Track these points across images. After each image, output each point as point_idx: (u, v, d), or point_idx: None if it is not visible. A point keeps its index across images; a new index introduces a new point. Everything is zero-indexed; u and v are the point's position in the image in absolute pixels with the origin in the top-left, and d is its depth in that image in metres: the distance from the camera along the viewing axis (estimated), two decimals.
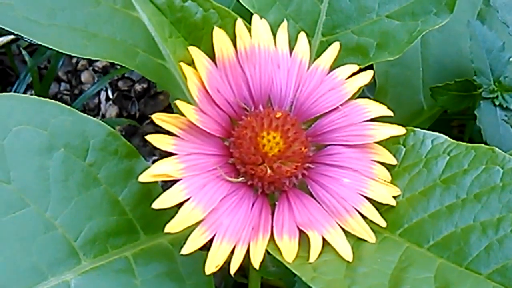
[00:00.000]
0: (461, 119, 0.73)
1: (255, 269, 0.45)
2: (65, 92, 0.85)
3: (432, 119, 0.66)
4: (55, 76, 0.85)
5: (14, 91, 0.79)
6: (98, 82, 0.82)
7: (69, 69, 0.86)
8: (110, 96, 0.85)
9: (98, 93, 0.84)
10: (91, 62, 0.86)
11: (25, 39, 0.53)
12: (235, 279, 0.68)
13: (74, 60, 0.86)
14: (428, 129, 0.49)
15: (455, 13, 0.54)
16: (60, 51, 0.51)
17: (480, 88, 0.61)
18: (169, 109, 0.81)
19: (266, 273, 0.58)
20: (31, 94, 0.82)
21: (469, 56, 0.61)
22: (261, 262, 0.44)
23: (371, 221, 0.46)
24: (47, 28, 0.51)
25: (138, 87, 0.84)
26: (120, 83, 0.85)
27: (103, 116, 0.83)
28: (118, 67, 0.82)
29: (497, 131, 0.60)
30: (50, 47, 0.51)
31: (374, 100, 0.50)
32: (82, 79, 0.85)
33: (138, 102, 0.84)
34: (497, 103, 0.61)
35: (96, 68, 0.86)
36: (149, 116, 0.80)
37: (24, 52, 0.79)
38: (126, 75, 0.86)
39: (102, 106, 0.84)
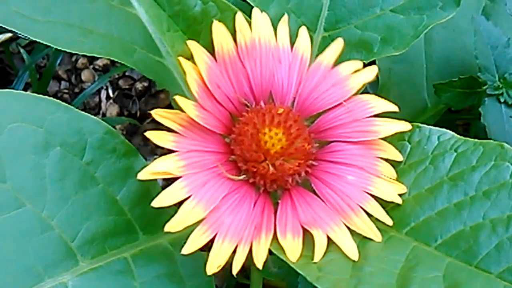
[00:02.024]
0: (466, 118, 0.72)
1: (257, 269, 0.44)
2: (65, 90, 0.84)
3: (436, 117, 0.65)
4: (55, 75, 0.84)
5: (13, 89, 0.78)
6: (98, 81, 0.81)
7: (69, 67, 0.85)
8: (111, 94, 0.84)
9: (99, 92, 0.83)
10: (91, 60, 0.85)
11: (22, 36, 0.52)
12: (237, 280, 0.67)
13: (74, 59, 0.85)
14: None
15: (460, 9, 0.53)
16: (56, 47, 0.50)
17: (484, 85, 0.60)
18: (170, 107, 0.80)
19: (268, 274, 0.57)
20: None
21: (473, 53, 0.60)
22: (264, 262, 0.43)
23: (376, 219, 0.45)
24: (42, 24, 0.51)
25: (139, 85, 0.84)
26: (120, 82, 0.84)
27: (104, 114, 0.82)
28: (119, 65, 0.81)
29: (502, 128, 0.59)
30: (46, 43, 0.50)
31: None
32: (83, 77, 0.84)
33: (139, 101, 0.83)
34: (502, 100, 0.60)
35: (97, 67, 0.85)
36: (150, 114, 0.80)
37: (22, 51, 0.78)
38: (126, 74, 0.85)
39: (102, 104, 0.83)
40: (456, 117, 0.72)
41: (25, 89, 0.81)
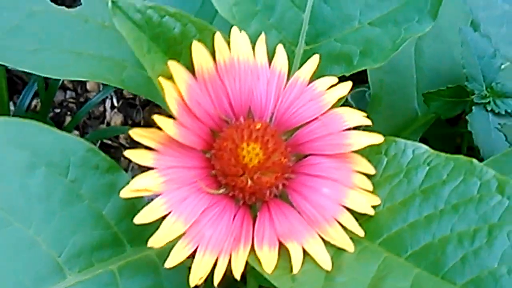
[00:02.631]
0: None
1: (253, 276, 0.45)
2: (70, 100, 0.86)
3: (426, 126, 0.66)
4: (61, 85, 0.86)
5: (21, 99, 0.81)
6: (103, 91, 0.83)
7: None
8: (115, 104, 0.86)
9: (103, 101, 0.85)
10: None
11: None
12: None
13: None
14: (430, 139, 0.49)
15: (449, 21, 0.54)
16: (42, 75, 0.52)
17: (472, 94, 0.61)
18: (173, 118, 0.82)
19: (264, 281, 0.59)
20: (38, 102, 0.84)
21: (461, 63, 0.61)
22: (243, 274, 0.45)
23: (350, 230, 0.46)
24: (30, 54, 0.53)
25: None
26: (125, 92, 0.86)
27: (108, 124, 0.84)
28: None
29: (489, 136, 0.60)
30: (33, 72, 0.52)
31: (369, 108, 0.50)
32: (88, 87, 0.86)
33: (143, 110, 0.85)
34: (489, 109, 0.61)
35: None
36: (154, 124, 0.82)
37: None
38: None
39: (107, 114, 0.85)
40: (454, 130, 0.73)
41: (32, 99, 0.83)
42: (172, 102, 0.46)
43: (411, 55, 0.66)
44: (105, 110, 0.85)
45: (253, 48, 0.50)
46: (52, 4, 0.57)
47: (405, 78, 0.66)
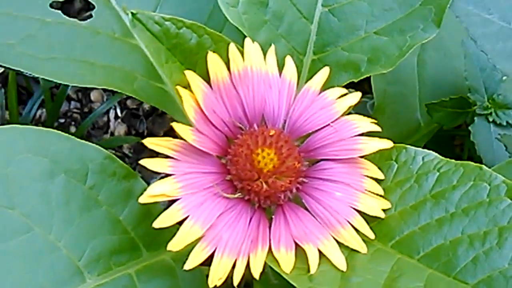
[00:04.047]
0: (463, 136, 0.74)
1: (258, 282, 0.46)
2: (75, 110, 0.87)
3: (429, 136, 0.67)
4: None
5: (29, 110, 0.82)
6: (107, 101, 0.84)
7: (79, 88, 0.88)
8: (119, 114, 0.86)
9: (107, 112, 0.86)
10: None
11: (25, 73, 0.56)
12: None
13: None
14: (429, 147, 0.51)
15: (451, 33, 0.55)
16: (58, 82, 0.53)
17: (474, 105, 0.63)
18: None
19: (269, 286, 0.60)
20: (42, 113, 0.85)
21: (463, 75, 0.63)
22: (261, 274, 0.46)
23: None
24: (45, 62, 0.54)
25: (146, 105, 0.86)
26: (128, 102, 0.87)
27: (112, 134, 0.85)
28: None
29: (491, 146, 0.61)
30: (49, 79, 0.53)
31: (372, 117, 0.52)
32: (92, 97, 0.87)
33: (146, 120, 0.86)
34: (490, 120, 0.63)
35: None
36: (157, 134, 0.83)
37: None
38: None
39: (111, 124, 0.86)
40: (453, 134, 0.74)
41: (38, 109, 0.84)
42: (190, 109, 0.47)
43: (414, 65, 0.67)
44: (109, 120, 0.86)
45: (264, 57, 0.51)
46: (65, 16, 0.58)
47: (408, 88, 0.67)
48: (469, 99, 0.63)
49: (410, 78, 0.67)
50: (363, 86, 0.62)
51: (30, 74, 0.56)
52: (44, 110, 0.84)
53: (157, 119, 0.85)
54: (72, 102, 0.87)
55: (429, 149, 0.50)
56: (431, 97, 0.66)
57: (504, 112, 0.63)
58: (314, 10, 0.56)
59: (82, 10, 0.85)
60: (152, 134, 0.84)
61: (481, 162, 0.59)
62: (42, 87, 0.81)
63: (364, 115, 0.52)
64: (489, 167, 0.49)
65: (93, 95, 0.87)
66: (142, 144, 0.81)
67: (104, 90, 0.88)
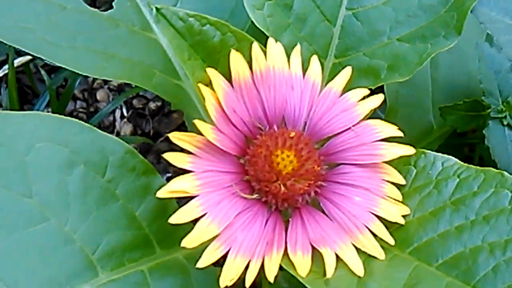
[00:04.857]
0: (472, 138, 0.74)
1: (269, 284, 0.46)
2: (81, 110, 0.86)
3: (442, 139, 0.67)
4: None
5: (35, 110, 0.81)
6: (113, 101, 0.84)
7: (85, 87, 0.88)
8: (125, 114, 0.86)
9: (113, 111, 0.86)
10: (106, 81, 0.88)
11: (45, 60, 0.55)
12: None
13: (90, 79, 0.88)
14: (439, 148, 0.50)
15: (464, 35, 0.55)
16: (79, 72, 0.52)
17: (488, 108, 0.62)
18: (183, 127, 0.83)
19: None
20: (48, 112, 0.84)
21: (477, 77, 0.62)
22: (275, 277, 0.46)
23: (381, 238, 0.48)
24: (66, 50, 0.53)
25: (152, 105, 0.86)
26: (134, 102, 0.87)
27: (118, 133, 0.85)
28: (133, 86, 0.83)
29: (506, 150, 0.61)
30: (69, 69, 0.53)
31: (384, 120, 0.51)
32: (98, 97, 0.87)
33: (152, 120, 0.85)
34: (505, 123, 0.62)
35: (111, 87, 0.87)
36: (163, 134, 0.83)
37: (42, 72, 0.81)
38: (140, 94, 0.87)
39: (117, 123, 0.85)
40: (463, 141, 0.74)
41: (43, 109, 0.83)
42: (211, 108, 0.47)
43: (427, 68, 0.67)
44: (114, 120, 0.85)
45: (287, 59, 0.51)
46: (85, 4, 0.58)
47: (421, 91, 0.67)
48: (483, 102, 0.63)
49: (423, 80, 0.67)
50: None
51: (50, 62, 0.55)
52: (49, 109, 0.84)
53: (163, 118, 0.85)
54: (78, 102, 0.87)
55: (438, 150, 0.50)
56: (444, 100, 0.66)
57: None
58: (338, 13, 0.56)
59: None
60: (158, 134, 0.84)
61: (493, 164, 0.59)
62: (47, 87, 0.80)
63: (375, 118, 0.52)
64: (504, 170, 0.49)
65: (99, 95, 0.87)
66: (148, 143, 0.82)
67: (110, 89, 0.87)
